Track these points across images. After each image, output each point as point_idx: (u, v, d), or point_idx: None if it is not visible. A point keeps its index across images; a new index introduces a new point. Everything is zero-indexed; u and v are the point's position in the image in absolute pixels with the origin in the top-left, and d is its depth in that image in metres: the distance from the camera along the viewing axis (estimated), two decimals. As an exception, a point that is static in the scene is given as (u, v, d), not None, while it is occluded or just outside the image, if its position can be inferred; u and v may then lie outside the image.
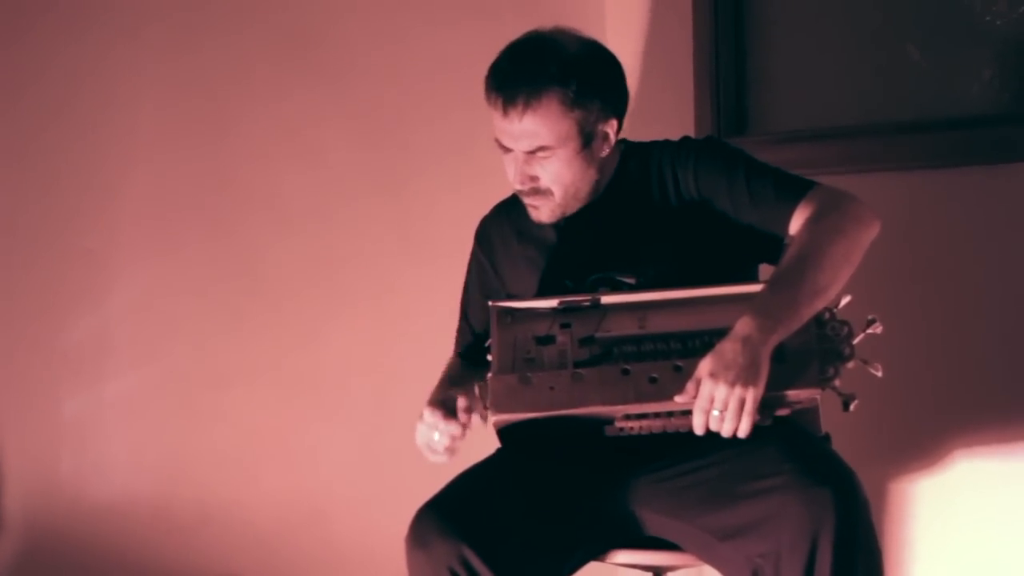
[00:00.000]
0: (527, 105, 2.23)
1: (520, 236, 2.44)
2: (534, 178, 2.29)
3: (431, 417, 2.21)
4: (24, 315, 2.79)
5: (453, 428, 2.19)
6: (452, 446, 2.21)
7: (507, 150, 2.29)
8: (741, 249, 2.28)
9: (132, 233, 2.87)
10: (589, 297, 2.24)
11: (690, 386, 2.05)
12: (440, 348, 2.55)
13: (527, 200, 2.34)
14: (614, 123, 2.32)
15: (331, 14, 3.04)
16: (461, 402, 2.19)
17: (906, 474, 2.77)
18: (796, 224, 2.21)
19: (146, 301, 2.88)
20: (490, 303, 2.28)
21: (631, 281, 2.28)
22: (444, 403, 2.22)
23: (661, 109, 3.08)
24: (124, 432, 2.87)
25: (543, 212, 2.34)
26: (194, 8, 2.91)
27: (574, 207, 2.34)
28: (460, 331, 2.55)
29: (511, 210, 2.47)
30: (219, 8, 2.93)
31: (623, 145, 2.41)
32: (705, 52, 3.05)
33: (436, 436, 2.20)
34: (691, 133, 2.97)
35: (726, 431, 2.03)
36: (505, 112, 2.24)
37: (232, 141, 2.96)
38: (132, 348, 2.88)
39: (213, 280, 2.94)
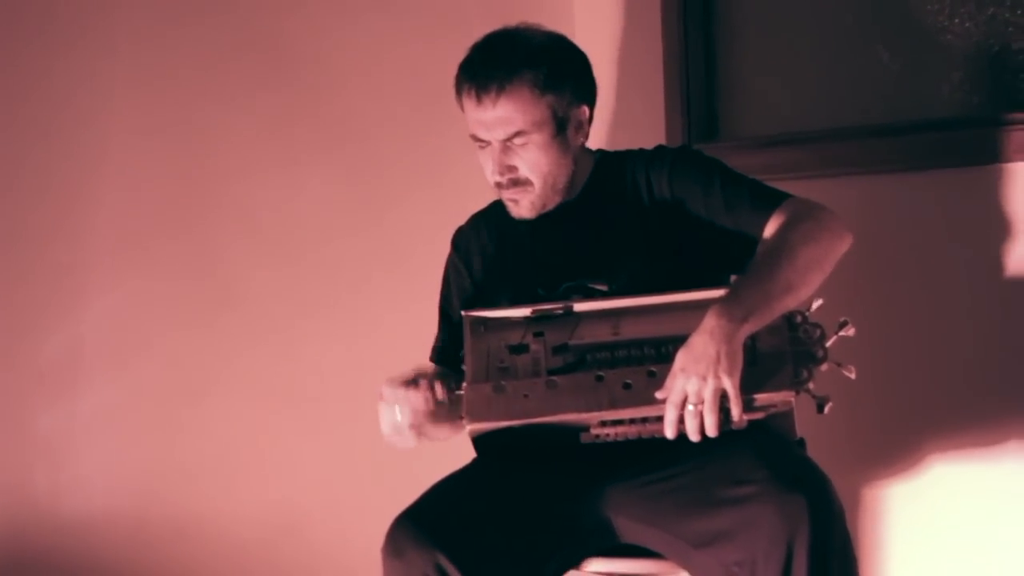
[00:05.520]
0: (500, 90, 2.23)
1: (494, 245, 2.44)
2: (512, 168, 2.29)
3: (390, 389, 2.20)
4: (-3, 330, 2.78)
5: (414, 396, 2.18)
6: (416, 421, 2.19)
7: (483, 144, 2.29)
8: (713, 258, 2.27)
9: (106, 247, 2.85)
10: (562, 305, 2.24)
11: (668, 381, 2.06)
12: (416, 359, 2.53)
13: (506, 195, 2.33)
14: (586, 110, 2.33)
15: (307, 28, 3.04)
16: (424, 376, 2.19)
17: (881, 479, 2.77)
18: (769, 231, 2.21)
19: (120, 315, 2.87)
20: (463, 313, 2.28)
21: (603, 288, 2.28)
22: (404, 379, 2.21)
23: (632, 117, 3.08)
24: (99, 447, 2.86)
25: (523, 205, 2.33)
26: (168, 26, 2.90)
27: (553, 200, 2.34)
28: (439, 336, 2.52)
29: (487, 220, 2.48)
30: (194, 25, 2.92)
31: (598, 154, 2.41)
32: (675, 59, 3.06)
33: (399, 415, 2.19)
34: (662, 140, 2.98)
35: (708, 426, 2.02)
36: (479, 100, 2.25)
37: (207, 154, 2.95)
38: (106, 362, 2.86)
39: (187, 293, 2.93)
